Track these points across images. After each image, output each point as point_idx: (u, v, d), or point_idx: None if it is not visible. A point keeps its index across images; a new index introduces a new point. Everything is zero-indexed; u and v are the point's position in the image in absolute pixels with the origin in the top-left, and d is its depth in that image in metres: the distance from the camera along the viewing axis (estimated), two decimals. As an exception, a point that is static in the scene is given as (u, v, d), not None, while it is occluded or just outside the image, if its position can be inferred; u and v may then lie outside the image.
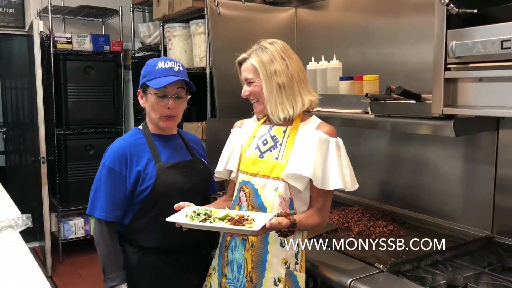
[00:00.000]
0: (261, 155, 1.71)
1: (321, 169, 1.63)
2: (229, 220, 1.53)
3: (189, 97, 1.90)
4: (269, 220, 1.48)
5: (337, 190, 1.66)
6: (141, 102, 1.91)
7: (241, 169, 1.75)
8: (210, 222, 1.54)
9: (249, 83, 1.72)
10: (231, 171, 1.80)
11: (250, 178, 1.71)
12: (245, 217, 1.53)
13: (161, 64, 1.83)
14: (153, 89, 1.81)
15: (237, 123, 1.91)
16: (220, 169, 1.85)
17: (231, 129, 1.90)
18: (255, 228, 1.46)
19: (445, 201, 2.23)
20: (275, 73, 1.66)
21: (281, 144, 1.70)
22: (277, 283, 1.65)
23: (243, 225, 1.49)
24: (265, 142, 1.73)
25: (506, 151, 1.98)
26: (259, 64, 1.67)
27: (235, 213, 1.58)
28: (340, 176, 1.63)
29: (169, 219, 1.58)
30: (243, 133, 1.84)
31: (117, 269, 1.80)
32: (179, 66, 1.85)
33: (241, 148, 1.79)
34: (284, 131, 1.72)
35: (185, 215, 1.59)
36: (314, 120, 1.74)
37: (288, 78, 1.66)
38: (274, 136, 1.73)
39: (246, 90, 1.74)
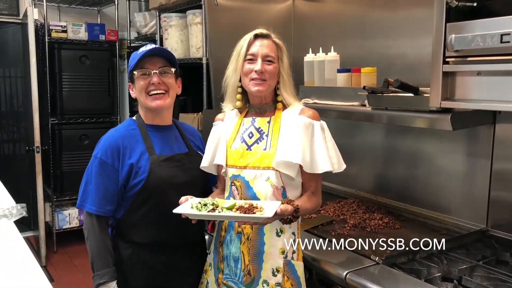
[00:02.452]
0: (249, 148, 1.70)
1: (309, 153, 1.64)
2: (238, 209, 1.51)
3: (174, 70, 1.83)
4: (279, 206, 1.50)
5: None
6: (132, 93, 1.86)
7: (229, 164, 1.71)
8: (219, 212, 1.52)
9: (269, 61, 1.66)
10: (218, 166, 1.77)
11: (240, 172, 1.68)
12: (254, 205, 1.52)
13: (143, 48, 1.80)
14: (136, 72, 1.78)
15: (219, 116, 1.86)
16: (205, 164, 1.78)
17: (213, 123, 1.85)
18: (267, 214, 1.46)
19: (441, 194, 2.24)
20: (288, 63, 1.72)
21: (267, 135, 1.69)
22: (276, 273, 1.65)
23: (254, 213, 1.48)
24: (250, 135, 1.72)
25: (502, 145, 1.99)
26: (284, 48, 1.70)
27: (243, 202, 1.56)
28: (327, 158, 1.64)
29: (176, 210, 1.54)
30: (227, 126, 1.79)
31: (106, 265, 1.74)
32: (162, 47, 1.86)
33: (226, 142, 1.75)
34: (268, 122, 1.71)
35: (191, 206, 1.56)
36: (296, 106, 1.73)
37: (290, 70, 1.73)
38: (259, 128, 1.72)
39: (263, 67, 1.64)
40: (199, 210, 1.53)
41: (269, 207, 1.51)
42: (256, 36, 1.68)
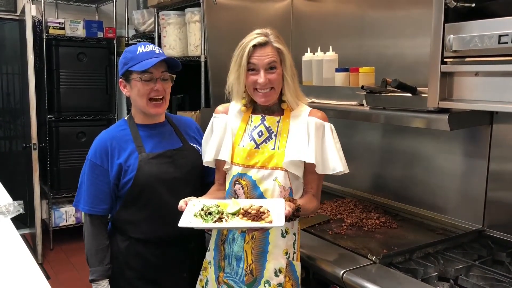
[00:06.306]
0: (257, 146, 1.68)
1: (321, 154, 1.64)
2: (244, 215, 1.48)
3: (174, 77, 1.85)
4: (284, 209, 1.48)
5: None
6: (125, 91, 1.84)
7: (235, 162, 1.69)
8: (226, 220, 1.47)
9: (272, 68, 1.61)
10: (221, 161, 1.74)
11: (247, 170, 1.66)
12: (261, 210, 1.49)
13: (142, 49, 1.78)
14: (137, 73, 1.76)
15: (220, 108, 1.80)
16: (209, 159, 1.75)
17: (214, 114, 1.80)
18: (277, 223, 1.43)
19: (438, 194, 2.24)
20: (291, 62, 1.66)
21: (275, 135, 1.68)
22: (278, 273, 1.65)
23: (263, 219, 1.45)
24: (260, 133, 1.70)
25: (499, 145, 1.99)
26: (285, 49, 1.63)
27: (247, 205, 1.52)
28: (339, 159, 1.65)
29: (181, 224, 1.45)
30: (231, 121, 1.74)
31: (99, 264, 1.80)
32: (158, 49, 1.82)
33: (233, 138, 1.72)
34: (278, 121, 1.70)
35: (194, 214, 1.50)
36: (305, 108, 1.72)
37: (294, 68, 1.69)
38: (269, 127, 1.70)
39: (267, 77, 1.59)
40: (204, 219, 1.48)
41: (275, 210, 1.48)
42: (255, 46, 1.61)
